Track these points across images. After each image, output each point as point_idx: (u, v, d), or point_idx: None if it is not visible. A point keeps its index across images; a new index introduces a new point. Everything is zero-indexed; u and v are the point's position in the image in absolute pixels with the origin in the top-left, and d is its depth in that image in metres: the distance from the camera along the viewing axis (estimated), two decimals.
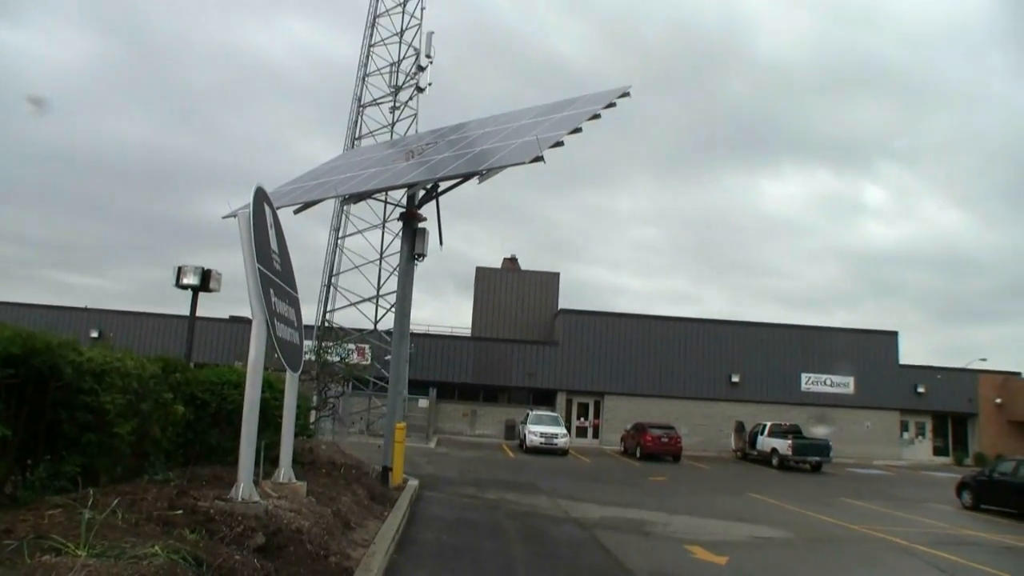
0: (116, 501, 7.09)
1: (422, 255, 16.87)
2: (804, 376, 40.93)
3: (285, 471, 9.53)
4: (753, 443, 33.95)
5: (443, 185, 16.36)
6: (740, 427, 36.17)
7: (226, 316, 41.74)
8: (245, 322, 39.81)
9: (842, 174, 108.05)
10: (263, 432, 12.68)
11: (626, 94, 15.43)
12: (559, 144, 13.19)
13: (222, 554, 5.63)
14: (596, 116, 14.44)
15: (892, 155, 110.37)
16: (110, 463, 9.09)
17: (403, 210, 17.11)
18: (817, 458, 30.91)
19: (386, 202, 23.05)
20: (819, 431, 36.44)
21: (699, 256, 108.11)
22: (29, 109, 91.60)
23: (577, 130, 13.80)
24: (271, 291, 8.23)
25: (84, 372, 8.70)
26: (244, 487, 7.51)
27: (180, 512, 6.92)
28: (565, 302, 45.66)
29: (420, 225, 16.68)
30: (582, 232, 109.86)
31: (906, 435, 42.20)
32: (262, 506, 7.35)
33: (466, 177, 14.44)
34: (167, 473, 9.80)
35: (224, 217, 16.19)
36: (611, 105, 14.95)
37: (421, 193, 16.78)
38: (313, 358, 22.12)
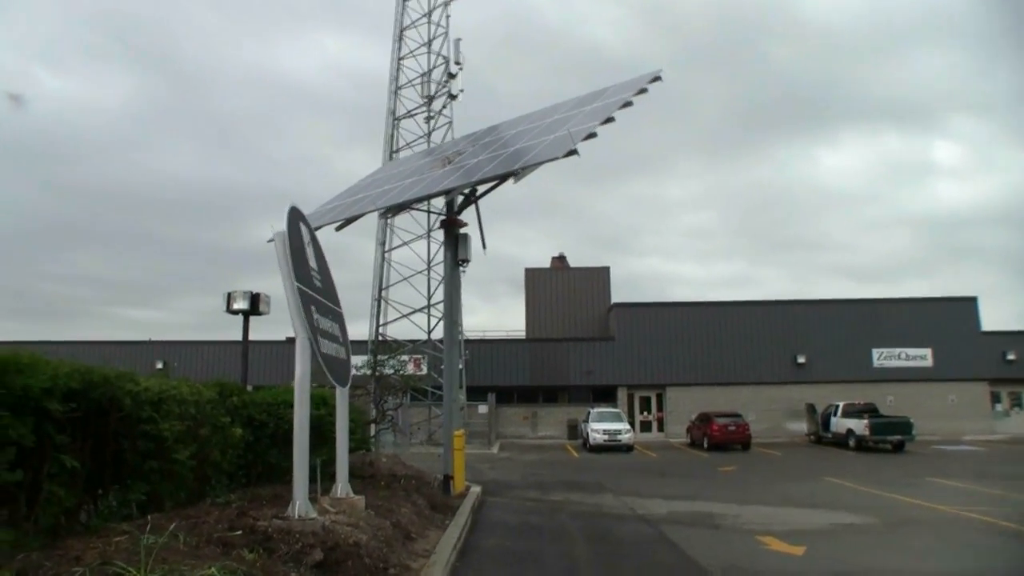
0: (176, 525, 7.38)
1: (466, 261, 17.05)
2: (876, 352, 39.91)
3: (342, 486, 9.75)
4: (826, 425, 33.23)
5: (481, 188, 16.52)
6: (811, 410, 35.47)
7: (283, 338, 42.69)
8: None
9: (907, 134, 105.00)
10: (320, 448, 13.03)
11: (657, 78, 15.35)
12: (592, 136, 13.20)
13: (279, 572, 5.82)
14: (628, 104, 14.40)
15: (964, 106, 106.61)
16: (173, 488, 9.44)
17: (444, 218, 17.32)
18: (898, 437, 29.80)
19: (429, 211, 23.26)
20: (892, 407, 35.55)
21: (756, 236, 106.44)
22: (9, 106, 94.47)
23: (610, 120, 13.78)
24: (312, 308, 8.45)
25: (142, 402, 9.05)
26: (300, 504, 7.72)
27: (239, 533, 7.16)
28: (619, 296, 45.56)
29: (461, 231, 16.86)
30: (633, 223, 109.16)
31: (999, 406, 40.50)
32: (319, 522, 7.54)
33: (502, 178, 14.54)
34: (229, 495, 10.13)
35: (268, 241, 16.58)
36: (642, 91, 14.89)
37: (460, 199, 16.97)
38: (367, 372, 22.49)
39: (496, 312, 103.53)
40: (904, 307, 40.78)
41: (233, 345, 38.85)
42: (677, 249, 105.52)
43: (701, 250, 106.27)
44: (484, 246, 23.65)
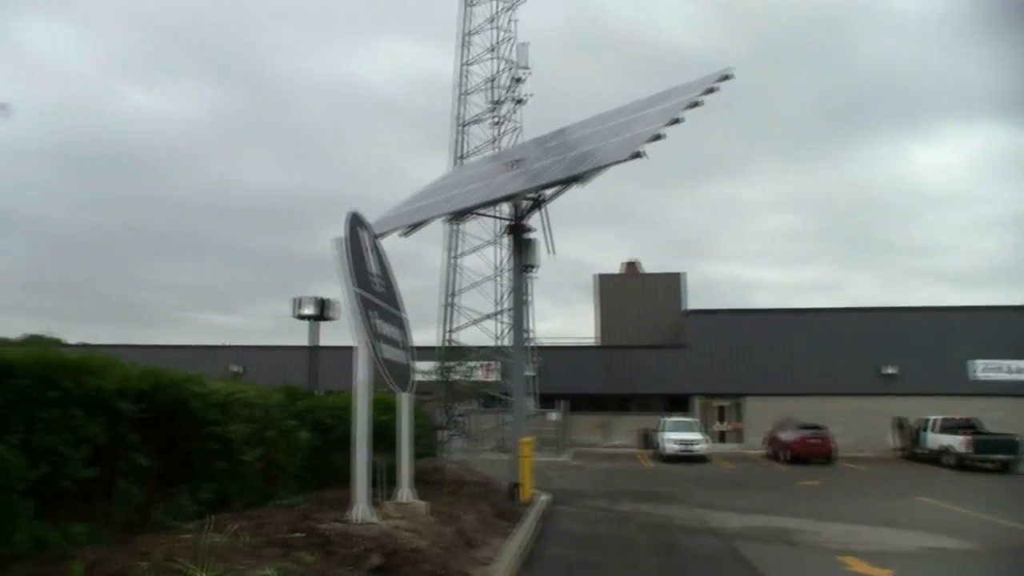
0: (241, 525, 7.57)
1: (532, 266, 17.02)
2: (974, 364, 37.85)
3: (405, 491, 9.85)
4: (917, 440, 31.74)
5: (547, 193, 16.50)
6: (900, 423, 33.94)
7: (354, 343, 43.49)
8: None
9: (1012, 125, 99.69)
10: (385, 454, 13.19)
11: (727, 77, 15.04)
12: (658, 137, 13.00)
13: (336, 575, 5.88)
14: (696, 104, 14.15)
15: None
16: (240, 489, 9.70)
17: (510, 223, 17.35)
18: (1004, 456, 27.49)
19: (497, 217, 23.40)
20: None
21: (843, 239, 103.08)
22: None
23: (676, 120, 13.56)
24: (373, 313, 8.56)
25: (210, 404, 9.35)
26: (360, 508, 7.82)
27: (300, 535, 7.29)
28: (695, 303, 44.80)
29: (528, 236, 16.84)
30: (710, 227, 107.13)
31: None
32: (379, 527, 7.63)
33: (567, 183, 14.47)
34: (295, 497, 10.35)
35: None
36: (711, 90, 14.61)
37: (526, 204, 16.97)
38: (435, 378, 22.74)
39: (569, 318, 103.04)
40: (1011, 314, 38.25)
41: (308, 350, 39.86)
42: (758, 254, 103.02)
43: (784, 254, 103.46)
44: (552, 251, 23.62)
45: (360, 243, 8.99)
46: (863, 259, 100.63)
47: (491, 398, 33.69)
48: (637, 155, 12.45)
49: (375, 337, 8.40)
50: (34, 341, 57.23)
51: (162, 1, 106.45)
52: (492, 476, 16.83)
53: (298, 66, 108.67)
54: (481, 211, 17.92)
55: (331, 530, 7.41)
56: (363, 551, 7.04)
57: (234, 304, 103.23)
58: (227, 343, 43.10)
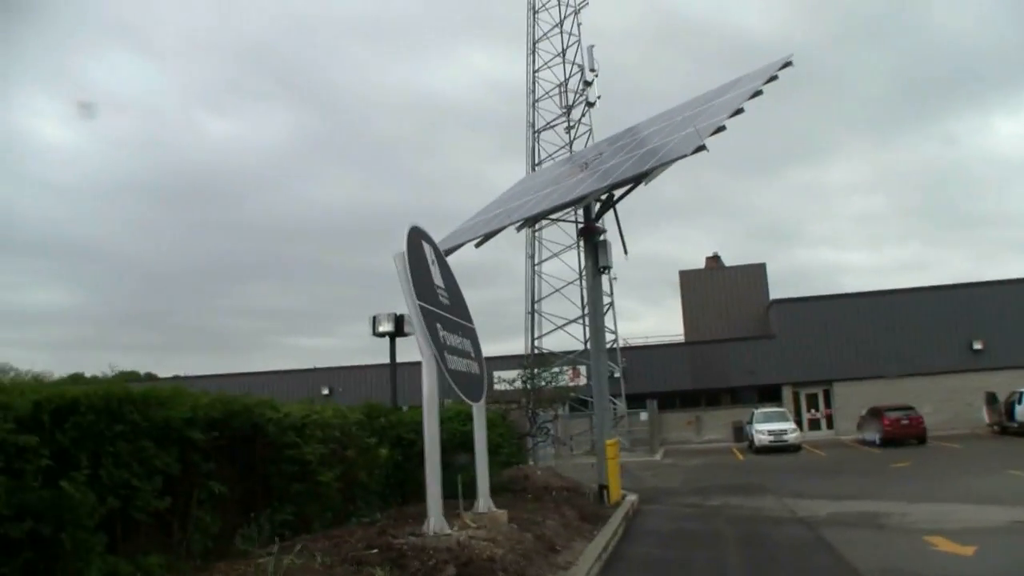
0: (320, 545, 7.28)
1: (607, 268, 16.44)
2: None
3: (484, 500, 9.41)
4: (1011, 414, 29.54)
5: (617, 193, 15.87)
6: (992, 398, 31.66)
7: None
8: None
9: None
10: (467, 465, 12.76)
11: (788, 64, 14.23)
12: (721, 129, 12.32)
13: None
14: (758, 93, 13.40)
15: None
16: (320, 509, 9.41)
17: (582, 226, 16.80)
18: None
19: (566, 220, 22.91)
20: None
21: (931, 217, 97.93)
22: (81, 113, 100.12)
23: (739, 111, 12.85)
24: (438, 325, 8.17)
25: (285, 427, 9.11)
26: (434, 520, 7.42)
27: (376, 551, 6.94)
28: (785, 291, 43.05)
29: (600, 238, 16.24)
30: (797, 213, 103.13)
31: None
32: (454, 538, 7.21)
33: (633, 181, 13.84)
34: (375, 514, 10.01)
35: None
36: (773, 78, 13.82)
37: (597, 205, 16.38)
38: (521, 385, 22.22)
39: (661, 316, 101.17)
40: None
41: (388, 367, 39.88)
42: (846, 237, 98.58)
43: (873, 236, 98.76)
44: (625, 251, 22.94)
45: (422, 256, 8.62)
46: (953, 235, 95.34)
47: (581, 402, 33.03)
48: (701, 148, 11.79)
49: (441, 348, 7.98)
50: (125, 378, 59.03)
51: (233, 28, 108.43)
52: (580, 480, 16.31)
53: (372, 82, 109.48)
54: (560, 215, 17.42)
55: (406, 544, 7.05)
56: (438, 563, 6.65)
57: (324, 325, 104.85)
58: (316, 366, 43.71)
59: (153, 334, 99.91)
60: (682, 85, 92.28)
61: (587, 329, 34.41)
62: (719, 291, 44.81)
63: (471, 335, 9.60)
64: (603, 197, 16.18)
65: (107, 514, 6.29)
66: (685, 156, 11.85)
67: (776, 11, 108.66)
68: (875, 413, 30.20)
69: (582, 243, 31.92)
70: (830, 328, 36.82)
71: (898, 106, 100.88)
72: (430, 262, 8.77)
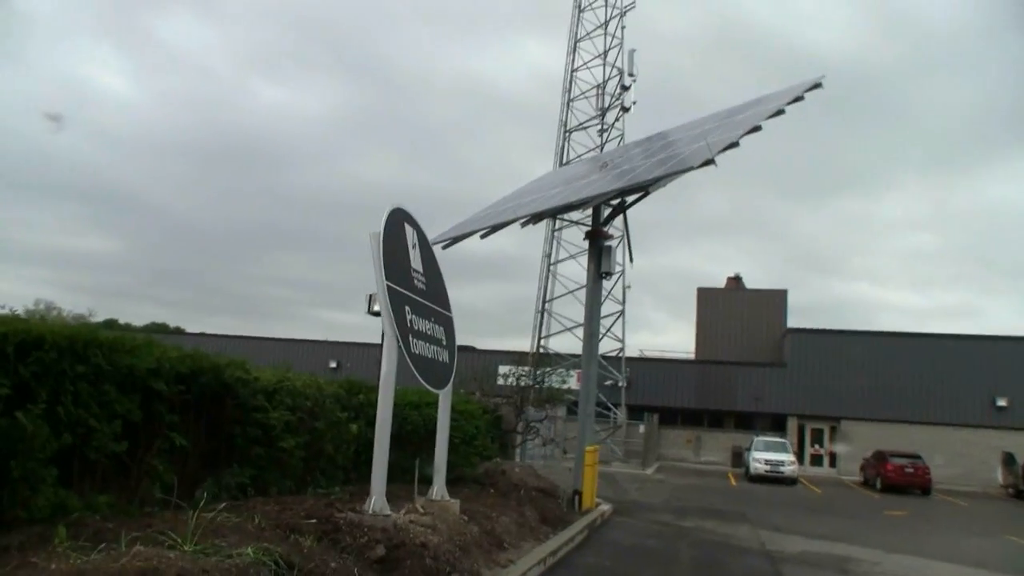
0: (262, 509, 7.59)
1: (608, 274, 16.63)
2: None
3: (438, 488, 9.70)
4: None
5: (629, 199, 16.06)
6: (1009, 459, 31.28)
7: None
8: (468, 351, 41.60)
9: None
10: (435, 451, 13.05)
11: (817, 85, 14.29)
12: (734, 145, 12.43)
13: (324, 561, 5.78)
14: (780, 112, 13.49)
15: None
16: (280, 475, 9.77)
17: (589, 228, 16.99)
18: None
19: (570, 221, 23.05)
20: None
21: (986, 263, 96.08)
22: (49, 127, 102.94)
23: (756, 129, 12.95)
24: (407, 308, 8.45)
25: (256, 391, 9.47)
26: (376, 500, 7.72)
27: (314, 521, 7.23)
28: (817, 322, 42.69)
29: (607, 243, 16.45)
30: (840, 243, 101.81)
31: None
32: (391, 520, 7.50)
33: (640, 190, 14.03)
34: (336, 488, 10.34)
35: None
36: (798, 99, 13.89)
37: (607, 210, 16.60)
38: (524, 383, 22.53)
39: (688, 331, 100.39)
40: None
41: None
42: (890, 273, 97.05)
43: (920, 275, 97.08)
44: (631, 259, 23.16)
45: (402, 238, 8.90)
46: (1006, 284, 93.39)
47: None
48: (709, 162, 11.91)
49: (405, 331, 8.27)
50: (155, 330, 60.92)
51: None
52: (559, 483, 16.47)
53: (429, 63, 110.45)
54: (568, 216, 17.62)
55: (343, 520, 7.33)
56: (369, 541, 6.96)
57: (346, 300, 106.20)
58: (329, 339, 44.31)
59: (187, 291, 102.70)
60: (737, 96, 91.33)
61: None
62: (736, 313, 44.73)
63: (446, 323, 9.86)
64: (614, 202, 16.38)
65: (64, 450, 6.69)
66: (693, 168, 11.99)
67: (853, 30, 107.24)
68: (879, 457, 30.05)
69: (587, 246, 32.34)
70: (845, 364, 36.54)
71: (964, 142, 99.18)
72: (411, 245, 9.05)
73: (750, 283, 47.76)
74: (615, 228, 33.18)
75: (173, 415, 8.16)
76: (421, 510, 8.81)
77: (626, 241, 22.94)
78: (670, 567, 10.61)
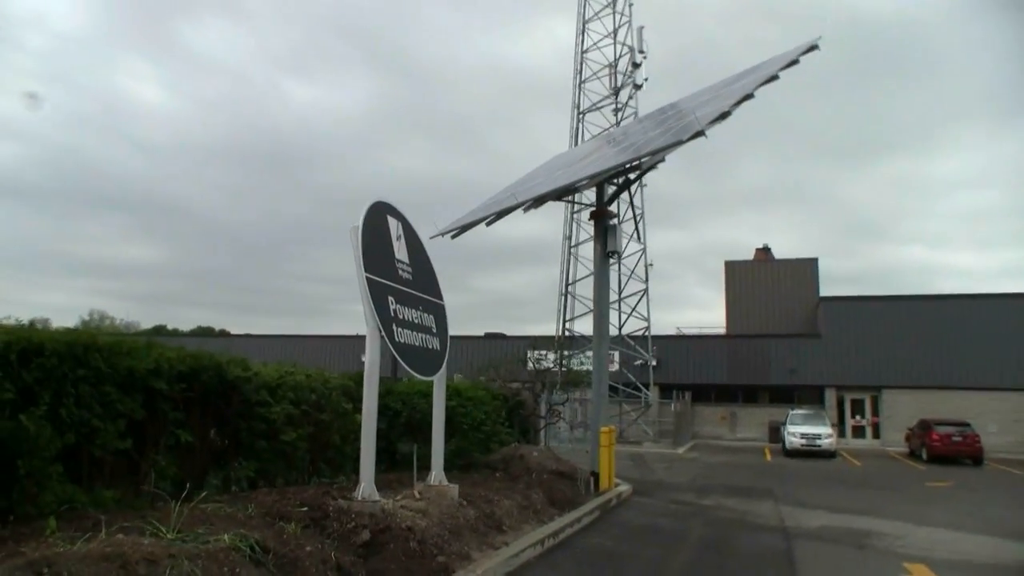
0: (258, 499, 8.17)
1: (615, 252, 16.93)
2: None
3: (436, 473, 10.19)
4: None
5: (632, 176, 16.37)
6: None
7: (481, 333, 44.60)
8: (499, 338, 42.19)
9: None
10: (449, 439, 13.59)
11: (813, 47, 14.41)
12: (725, 115, 12.64)
13: (295, 544, 6.30)
14: (773, 78, 13.65)
15: None
16: (286, 467, 10.39)
17: (593, 208, 17.32)
18: None
19: (572, 202, 23.14)
20: None
21: None
22: (26, 103, 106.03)
23: (748, 97, 13.13)
24: (390, 298, 8.95)
25: (258, 386, 10.07)
26: (364, 487, 8.23)
27: (305, 509, 7.78)
28: (869, 289, 42.32)
29: (611, 221, 16.77)
30: (891, 207, 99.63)
31: None
32: (379, 505, 8.01)
33: (635, 169, 14.32)
34: (340, 477, 10.92)
35: (431, 237, 17.53)
36: (793, 63, 14.05)
37: (611, 188, 16.92)
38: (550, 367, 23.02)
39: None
40: None
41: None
42: (948, 235, 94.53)
43: (979, 235, 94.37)
44: (639, 238, 23.44)
45: (384, 231, 9.39)
46: None
47: (611, 388, 33.64)
48: (698, 135, 12.15)
49: (388, 321, 8.76)
50: (201, 333, 62.94)
51: None
52: (582, 466, 16.82)
53: (453, 51, 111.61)
54: (565, 198, 17.97)
55: (334, 506, 7.85)
56: (356, 527, 7.47)
57: None
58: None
59: (231, 293, 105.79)
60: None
61: (621, 315, 34.99)
62: (766, 285, 44.67)
63: (436, 311, 10.34)
64: (618, 180, 16.70)
65: (70, 448, 7.34)
66: (682, 143, 12.25)
67: None
68: (925, 426, 29.86)
69: (628, 226, 32.55)
70: (883, 331, 36.29)
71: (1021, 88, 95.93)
72: (394, 237, 9.53)
73: (796, 253, 47.62)
74: (635, 207, 33.69)
75: (177, 413, 8.79)
76: (417, 495, 9.33)
77: (633, 216, 23.24)
78: (674, 546, 10.93)
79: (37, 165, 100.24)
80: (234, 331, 60.46)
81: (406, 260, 9.72)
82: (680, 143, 12.32)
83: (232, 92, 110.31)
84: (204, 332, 64.07)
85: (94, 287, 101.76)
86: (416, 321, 9.59)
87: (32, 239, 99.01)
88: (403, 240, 9.77)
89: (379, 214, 9.29)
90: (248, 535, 6.05)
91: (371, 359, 8.50)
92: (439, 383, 10.50)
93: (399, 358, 8.98)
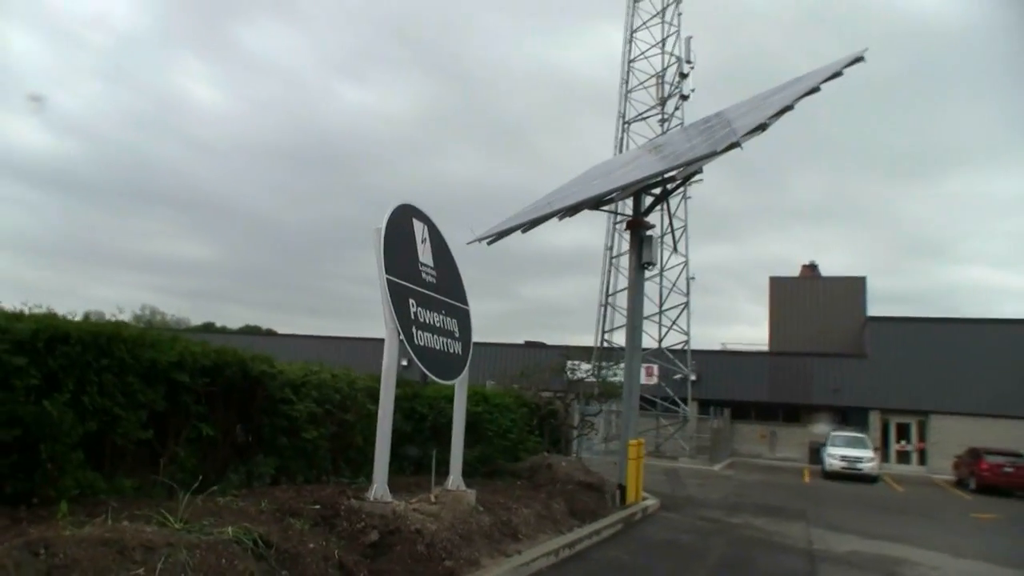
0: (280, 494, 8.30)
1: (651, 264, 16.83)
2: None
3: (454, 478, 10.23)
4: None
5: (670, 186, 16.27)
6: None
7: (522, 341, 44.63)
8: (538, 347, 42.14)
9: None
10: (474, 445, 13.63)
11: (859, 59, 14.20)
12: (762, 128, 12.53)
13: (299, 540, 6.38)
14: (814, 90, 13.51)
15: None
16: (307, 465, 10.54)
17: (629, 219, 17.24)
18: None
19: (608, 211, 22.97)
20: None
21: None
22: (32, 106, 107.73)
23: (787, 109, 13.02)
24: (411, 301, 9.03)
25: (284, 384, 10.24)
26: (377, 487, 8.30)
27: (317, 507, 7.88)
28: (923, 311, 41.25)
29: (648, 232, 16.68)
30: (952, 225, 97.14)
31: None
32: (390, 507, 8.06)
33: (670, 180, 14.24)
34: (360, 477, 11.02)
35: (468, 243, 17.63)
36: (836, 75, 13.88)
37: (648, 199, 16.84)
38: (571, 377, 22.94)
39: None
40: None
41: (490, 348, 40.61)
42: (1012, 257, 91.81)
43: None
44: (675, 249, 23.22)
45: (409, 234, 9.47)
46: None
47: (648, 401, 33.42)
48: (733, 146, 12.08)
49: (408, 323, 8.83)
50: (248, 332, 63.93)
51: None
52: (611, 478, 16.69)
53: (504, 56, 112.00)
54: (603, 207, 17.92)
55: (346, 505, 7.93)
56: (365, 527, 7.55)
57: None
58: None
59: (280, 292, 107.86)
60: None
61: (662, 327, 34.73)
62: (812, 302, 43.86)
63: (460, 315, 10.38)
64: (656, 192, 16.60)
65: (92, 435, 7.56)
66: (716, 154, 12.17)
67: None
68: (974, 455, 28.89)
69: (666, 238, 32.30)
70: (933, 354, 35.24)
71: None
72: (419, 240, 9.61)
73: (849, 271, 46.70)
74: (677, 218, 33.43)
75: (200, 406, 8.98)
76: (433, 499, 9.38)
77: (671, 228, 23.09)
78: (691, 563, 10.81)
79: (94, 161, 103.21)
80: (281, 331, 61.18)
81: (430, 263, 9.80)
82: (715, 154, 12.24)
83: (284, 93, 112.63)
84: (251, 331, 65.11)
85: (147, 282, 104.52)
86: (438, 324, 9.65)
87: (88, 234, 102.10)
88: (428, 243, 9.85)
89: (404, 216, 9.39)
90: (252, 529, 6.15)
91: (388, 361, 8.57)
92: (460, 388, 10.55)
93: (418, 361, 9.04)
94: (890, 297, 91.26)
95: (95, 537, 5.23)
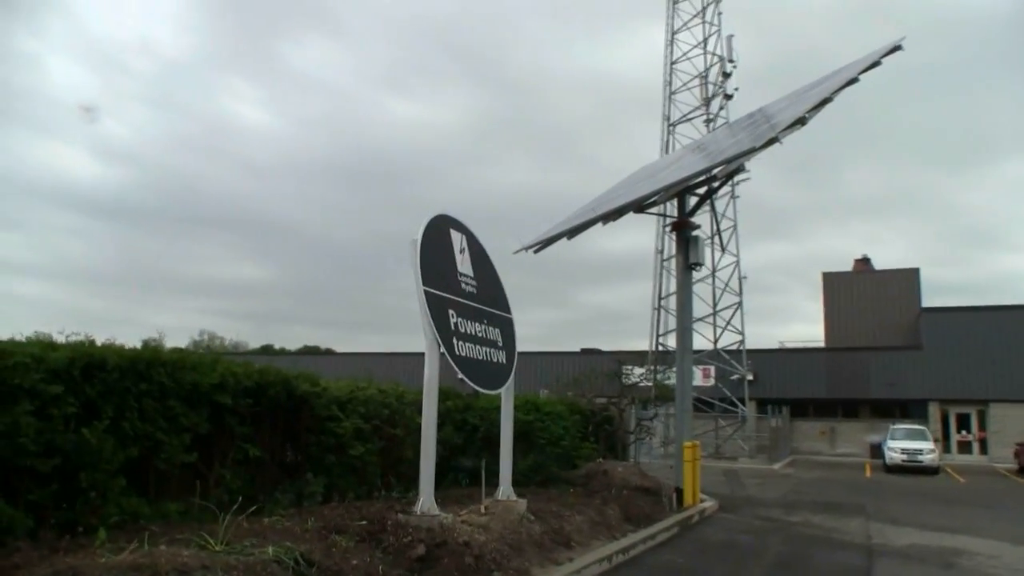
0: (321, 513, 7.85)
1: (698, 264, 16.15)
2: None
3: (504, 488, 9.73)
4: None
5: (716, 184, 15.56)
6: None
7: (578, 349, 43.87)
8: (594, 354, 41.33)
9: None
10: (526, 454, 13.03)
11: (897, 48, 13.31)
12: (801, 122, 11.78)
13: (341, 558, 5.92)
14: (853, 81, 12.70)
15: None
16: (356, 481, 10.09)
17: (675, 220, 16.53)
18: None
19: (653, 213, 22.21)
20: None
21: None
22: (84, 116, 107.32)
23: (826, 101, 12.25)
24: (451, 312, 8.56)
25: (328, 401, 9.83)
26: (424, 501, 7.83)
27: (364, 523, 7.41)
28: (983, 301, 39.30)
29: (693, 232, 15.96)
30: (1009, 213, 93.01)
31: None
32: (438, 519, 7.58)
33: (713, 179, 13.54)
34: (410, 493, 10.50)
35: (514, 252, 17.14)
36: (875, 65, 13.04)
37: (693, 199, 16.12)
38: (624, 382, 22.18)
39: None
40: None
41: (545, 357, 40.12)
42: None
43: None
44: (723, 248, 22.26)
45: (447, 244, 9.02)
46: None
47: (705, 403, 32.39)
48: (772, 142, 11.38)
49: (448, 334, 8.34)
50: (307, 352, 64.06)
51: (420, 10, 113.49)
52: (667, 482, 15.98)
53: (552, 63, 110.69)
54: (649, 209, 17.24)
55: (392, 520, 7.47)
56: (412, 541, 7.09)
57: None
58: None
59: (337, 310, 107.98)
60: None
61: (717, 329, 33.65)
62: (866, 296, 42.12)
63: (502, 324, 9.86)
64: (701, 191, 15.88)
65: (135, 461, 7.21)
66: (756, 150, 11.48)
67: None
68: None
69: (716, 238, 31.29)
70: (990, 342, 33.51)
71: None
72: (458, 251, 9.13)
73: (905, 263, 44.81)
74: (727, 218, 32.38)
75: (245, 427, 8.61)
76: (483, 510, 8.86)
77: (717, 228, 22.23)
78: (747, 563, 10.13)
79: (145, 187, 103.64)
80: (340, 349, 60.56)
81: (470, 273, 9.31)
82: (753, 151, 11.57)
83: (333, 110, 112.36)
84: (311, 351, 64.83)
85: (204, 307, 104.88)
86: (480, 335, 9.14)
87: (143, 260, 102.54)
88: (467, 253, 9.38)
89: (441, 227, 8.94)
90: (294, 547, 5.74)
91: (430, 373, 8.11)
92: (506, 397, 10.01)
93: (460, 372, 8.55)
94: (943, 288, 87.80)
95: (126, 563, 4.88)
